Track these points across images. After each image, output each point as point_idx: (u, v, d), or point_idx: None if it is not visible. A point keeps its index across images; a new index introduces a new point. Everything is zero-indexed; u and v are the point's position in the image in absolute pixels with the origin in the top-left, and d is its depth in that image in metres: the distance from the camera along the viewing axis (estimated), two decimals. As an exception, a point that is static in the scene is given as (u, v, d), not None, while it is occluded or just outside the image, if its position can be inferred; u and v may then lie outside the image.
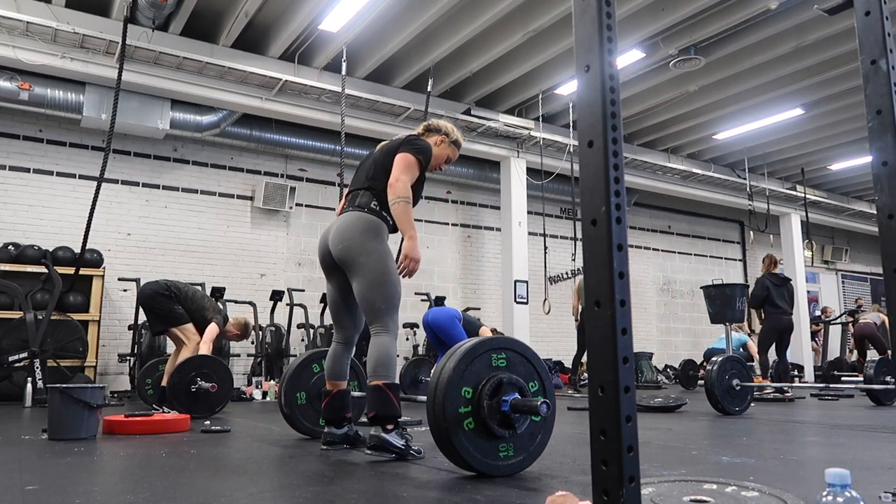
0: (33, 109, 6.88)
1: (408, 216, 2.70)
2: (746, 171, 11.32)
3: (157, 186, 7.94)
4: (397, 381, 2.68)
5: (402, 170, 2.76)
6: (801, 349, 11.60)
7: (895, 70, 1.40)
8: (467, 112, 8.64)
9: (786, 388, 6.20)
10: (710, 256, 13.11)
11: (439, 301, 8.59)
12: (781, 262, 12.00)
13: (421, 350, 8.62)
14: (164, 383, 4.93)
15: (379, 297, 2.69)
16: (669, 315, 12.26)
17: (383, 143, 3.04)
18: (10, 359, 5.70)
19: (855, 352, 10.13)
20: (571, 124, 9.33)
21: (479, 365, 2.19)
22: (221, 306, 7.72)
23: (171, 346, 5.76)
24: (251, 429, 3.87)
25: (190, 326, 4.93)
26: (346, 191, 3.11)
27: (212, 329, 4.92)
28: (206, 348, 4.82)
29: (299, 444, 3.15)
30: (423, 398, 2.25)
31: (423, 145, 2.88)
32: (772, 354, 6.78)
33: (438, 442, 2.15)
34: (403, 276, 2.72)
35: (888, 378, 5.49)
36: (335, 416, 2.93)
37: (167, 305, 4.91)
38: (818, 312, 10.53)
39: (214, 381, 4.57)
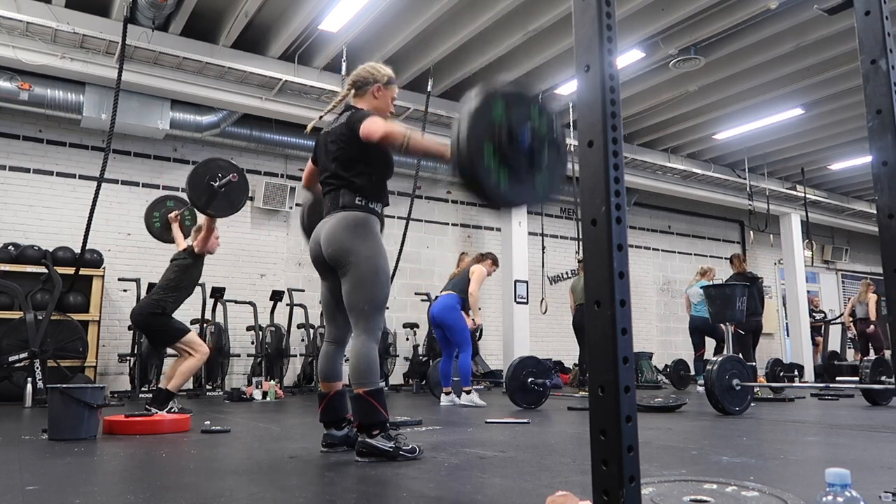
0: (33, 109, 6.88)
1: (421, 143, 2.57)
2: (746, 171, 11.32)
3: (157, 186, 7.93)
4: (380, 385, 2.63)
5: (376, 124, 2.71)
6: (801, 349, 11.60)
7: (895, 70, 1.40)
8: (467, 112, 8.62)
9: (757, 388, 6.18)
10: (710, 256, 13.10)
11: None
12: (781, 262, 12.03)
13: (422, 350, 8.62)
14: (160, 385, 4.90)
15: (363, 297, 2.66)
16: (669, 315, 12.26)
17: (323, 132, 3.07)
18: (10, 359, 5.69)
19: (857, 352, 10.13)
20: (571, 124, 9.33)
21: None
22: (218, 300, 7.71)
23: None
24: (251, 429, 3.87)
25: (192, 337, 4.78)
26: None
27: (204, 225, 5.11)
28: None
29: (299, 444, 3.14)
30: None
31: (365, 112, 2.92)
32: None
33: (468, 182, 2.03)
34: None
35: (885, 378, 5.48)
36: (333, 417, 2.87)
37: (165, 323, 4.71)
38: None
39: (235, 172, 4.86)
